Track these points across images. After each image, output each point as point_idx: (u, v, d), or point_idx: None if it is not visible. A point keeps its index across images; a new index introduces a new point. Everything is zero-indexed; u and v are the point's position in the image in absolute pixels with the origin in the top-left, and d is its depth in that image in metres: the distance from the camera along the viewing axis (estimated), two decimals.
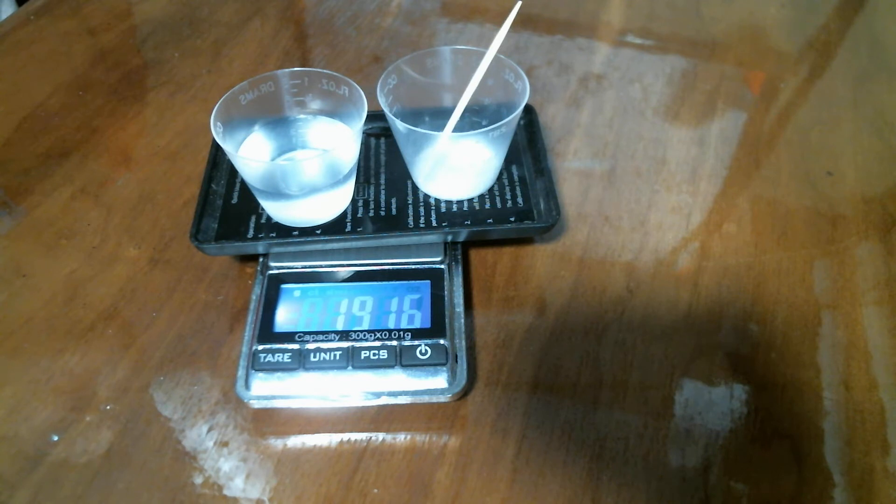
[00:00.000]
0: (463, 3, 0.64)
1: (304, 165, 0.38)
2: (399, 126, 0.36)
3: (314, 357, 0.35)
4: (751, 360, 0.37)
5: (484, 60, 0.36)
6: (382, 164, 0.43)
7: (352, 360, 0.35)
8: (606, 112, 0.52)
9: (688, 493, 0.32)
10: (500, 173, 0.42)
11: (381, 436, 0.34)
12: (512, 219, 0.39)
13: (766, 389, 0.36)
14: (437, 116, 0.42)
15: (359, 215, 0.40)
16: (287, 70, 0.39)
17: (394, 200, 0.41)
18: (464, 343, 0.36)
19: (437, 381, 0.34)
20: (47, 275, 0.41)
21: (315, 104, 0.40)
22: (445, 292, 0.37)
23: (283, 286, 0.38)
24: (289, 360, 0.35)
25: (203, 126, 0.51)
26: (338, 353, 0.35)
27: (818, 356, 0.37)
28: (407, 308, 0.37)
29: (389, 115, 0.36)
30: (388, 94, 0.39)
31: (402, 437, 0.34)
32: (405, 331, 0.36)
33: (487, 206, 0.40)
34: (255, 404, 0.34)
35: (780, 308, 0.40)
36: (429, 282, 0.38)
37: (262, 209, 0.40)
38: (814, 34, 0.61)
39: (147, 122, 0.52)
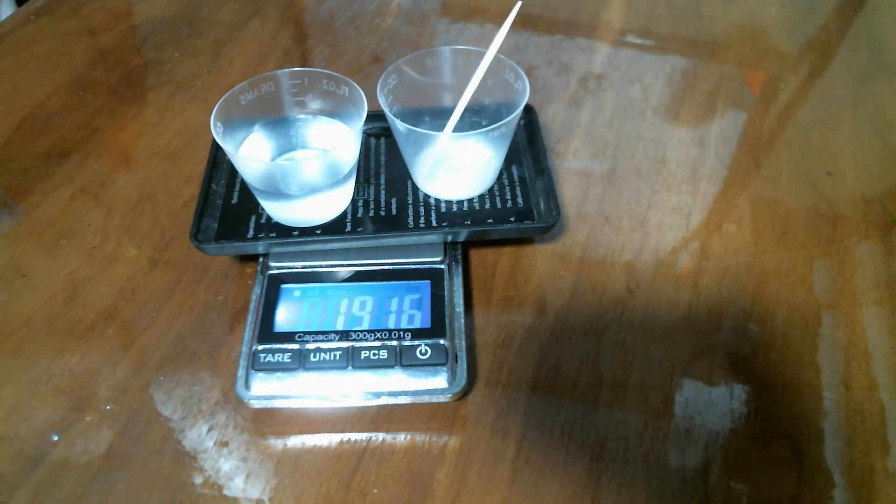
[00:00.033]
0: (463, 3, 0.64)
1: (304, 165, 0.38)
2: (399, 126, 0.36)
3: (314, 357, 0.35)
4: (751, 360, 0.37)
5: (484, 60, 0.36)
6: (382, 164, 0.43)
7: (352, 360, 0.35)
8: (606, 112, 0.52)
9: (688, 493, 0.32)
10: (500, 173, 0.42)
11: (381, 436, 0.34)
12: (512, 219, 0.39)
13: (766, 389, 0.36)
14: (437, 116, 0.42)
15: (359, 215, 0.40)
16: (287, 70, 0.39)
17: (394, 200, 0.41)
18: (464, 343, 0.36)
19: (437, 381, 0.34)
20: (47, 275, 0.41)
21: (315, 104, 0.40)
22: (445, 292, 0.37)
23: (283, 286, 0.38)
24: (289, 360, 0.35)
25: (203, 126, 0.51)
26: (338, 353, 0.35)
27: (818, 356, 0.37)
28: (407, 308, 0.37)
29: (389, 115, 0.36)
30: (388, 94, 0.39)
31: (402, 437, 0.34)
32: (405, 331, 0.36)
33: (487, 206, 0.40)
34: (255, 404, 0.34)
35: (780, 308, 0.40)
36: (429, 282, 0.38)
37: (262, 209, 0.40)
38: (814, 34, 0.61)
39: (147, 122, 0.52)
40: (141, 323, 0.39)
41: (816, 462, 0.33)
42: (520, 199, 0.41)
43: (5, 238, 0.43)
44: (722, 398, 0.36)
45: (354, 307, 0.37)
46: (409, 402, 0.35)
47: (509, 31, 0.36)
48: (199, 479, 0.33)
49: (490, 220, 0.39)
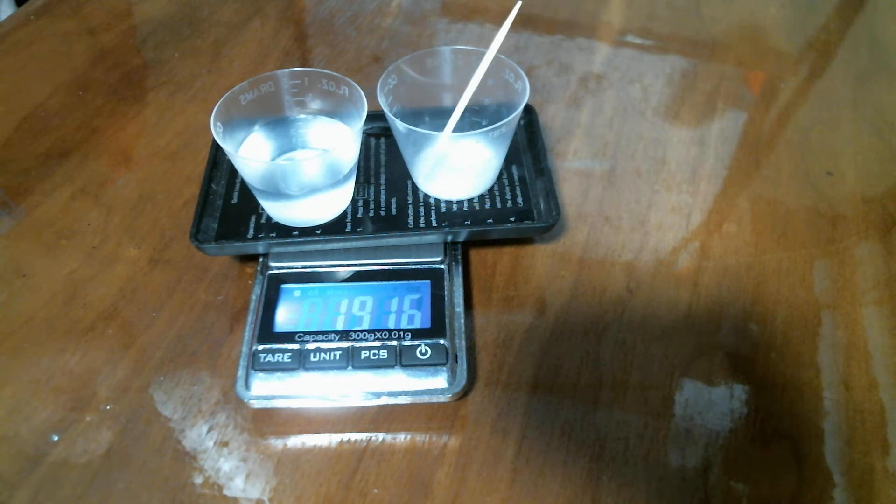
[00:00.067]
0: (463, 3, 0.64)
1: (304, 165, 0.38)
2: (399, 126, 0.36)
3: (314, 357, 0.35)
4: (751, 360, 0.37)
5: (484, 60, 0.36)
6: (382, 164, 0.43)
7: (352, 360, 0.35)
8: (606, 112, 0.52)
9: (688, 493, 0.32)
10: (500, 173, 0.42)
11: (381, 436, 0.34)
12: (512, 219, 0.39)
13: (766, 389, 0.36)
14: (437, 116, 0.42)
15: (359, 215, 0.40)
16: (287, 70, 0.39)
17: (394, 200, 0.41)
18: (464, 343, 0.36)
19: (437, 381, 0.34)
20: (47, 275, 0.41)
21: (315, 104, 0.40)
22: (445, 292, 0.37)
23: (283, 286, 0.38)
24: (289, 360, 0.35)
25: (203, 126, 0.51)
26: (338, 353, 0.35)
27: (818, 356, 0.37)
28: (407, 308, 0.37)
29: (389, 115, 0.36)
30: (388, 94, 0.39)
31: (402, 437, 0.34)
32: (405, 331, 0.36)
33: (487, 206, 0.40)
34: (255, 404, 0.34)
35: (780, 308, 0.40)
36: (429, 282, 0.38)
37: (262, 209, 0.40)
38: (814, 34, 0.61)
39: (147, 122, 0.52)
40: (141, 323, 0.39)
41: (816, 462, 0.33)
42: (520, 199, 0.41)
43: (5, 238, 0.43)
44: (722, 398, 0.36)
45: (354, 307, 0.37)
46: (409, 402, 0.35)
47: (509, 31, 0.36)
48: (199, 479, 0.33)
49: (490, 220, 0.39)
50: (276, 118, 0.40)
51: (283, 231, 0.39)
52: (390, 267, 0.39)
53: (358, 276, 0.38)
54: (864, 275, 0.41)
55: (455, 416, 0.35)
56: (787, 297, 0.40)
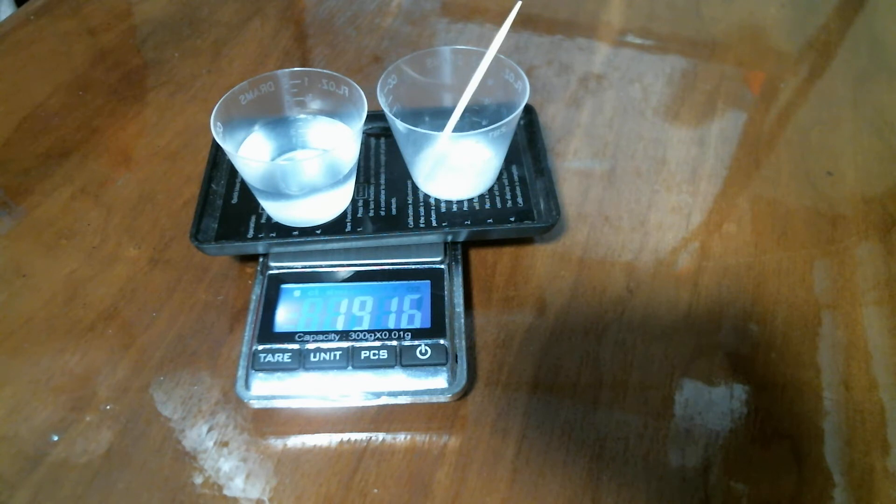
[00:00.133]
0: (463, 3, 0.64)
1: (304, 165, 0.38)
2: (399, 126, 0.36)
3: (314, 357, 0.35)
4: (751, 360, 0.37)
5: (484, 60, 0.36)
6: (382, 164, 0.43)
7: (352, 360, 0.35)
8: (606, 112, 0.52)
9: (688, 493, 0.32)
10: (500, 173, 0.42)
11: (381, 436, 0.34)
12: (512, 219, 0.39)
13: (766, 389, 0.36)
14: (437, 116, 0.42)
15: (359, 215, 0.40)
16: (287, 70, 0.39)
17: (394, 200, 0.41)
18: (464, 343, 0.36)
19: (437, 381, 0.34)
20: (47, 275, 0.41)
21: (315, 104, 0.40)
22: (445, 292, 0.37)
23: (283, 286, 0.38)
24: (289, 360, 0.35)
25: (203, 126, 0.51)
26: (338, 353, 0.35)
27: (818, 356, 0.37)
28: (407, 308, 0.37)
29: (389, 115, 0.36)
30: (388, 94, 0.39)
31: (402, 437, 0.34)
32: (405, 331, 0.36)
33: (487, 206, 0.40)
34: (255, 404, 0.34)
35: (780, 308, 0.40)
36: (429, 282, 0.38)
37: (262, 209, 0.40)
38: (814, 34, 0.61)
39: (147, 122, 0.52)
40: (141, 323, 0.39)
41: (816, 462, 0.33)
42: (520, 199, 0.41)
43: (5, 238, 0.43)
44: (722, 398, 0.36)
45: (354, 307, 0.37)
46: (409, 402, 0.35)
47: (509, 31, 0.36)
48: (199, 479, 0.33)
49: (490, 220, 0.39)
50: (276, 118, 0.40)
51: (283, 231, 0.39)
52: (390, 267, 0.39)
53: (358, 276, 0.38)
54: (864, 275, 0.41)
55: (455, 416, 0.35)
56: (787, 297, 0.40)
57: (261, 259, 0.39)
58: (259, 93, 0.39)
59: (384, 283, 0.38)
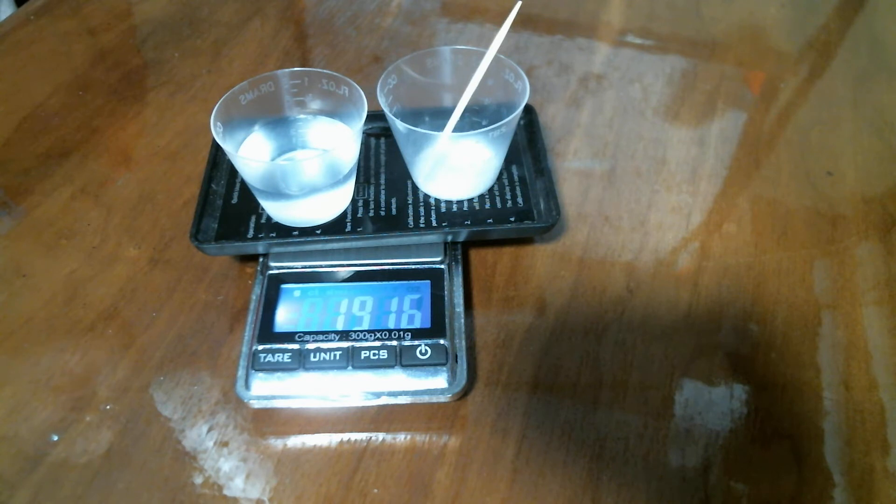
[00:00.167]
0: (463, 3, 0.64)
1: (304, 165, 0.38)
2: (399, 126, 0.36)
3: (314, 357, 0.35)
4: (751, 360, 0.37)
5: (484, 60, 0.36)
6: (382, 164, 0.43)
7: (352, 360, 0.35)
8: (606, 112, 0.52)
9: (688, 493, 0.32)
10: (500, 173, 0.42)
11: (381, 436, 0.34)
12: (512, 219, 0.39)
13: (766, 389, 0.36)
14: (437, 116, 0.42)
15: (359, 215, 0.40)
16: (287, 70, 0.39)
17: (394, 200, 0.41)
18: (464, 343, 0.36)
19: (437, 381, 0.34)
20: (47, 275, 0.41)
21: (315, 104, 0.40)
22: (445, 292, 0.37)
23: (283, 286, 0.38)
24: (289, 360, 0.35)
25: (203, 126, 0.51)
26: (338, 353, 0.35)
27: (818, 356, 0.37)
28: (407, 308, 0.37)
29: (389, 115, 0.36)
30: (388, 94, 0.39)
31: (402, 437, 0.34)
32: (405, 331, 0.36)
33: (487, 206, 0.40)
34: (255, 404, 0.34)
35: (780, 308, 0.40)
36: (429, 282, 0.38)
37: (262, 209, 0.40)
38: (814, 34, 0.61)
39: (147, 122, 0.52)
40: (141, 323, 0.39)
41: (816, 462, 0.33)
42: (520, 199, 0.41)
43: (5, 238, 0.43)
44: (722, 398, 0.36)
45: (354, 307, 0.37)
46: (409, 402, 0.35)
47: (509, 31, 0.36)
48: (199, 479, 0.33)
49: (490, 220, 0.39)
50: (276, 118, 0.40)
51: (283, 231, 0.39)
52: (390, 267, 0.39)
53: (358, 276, 0.38)
54: (864, 275, 0.41)
55: (455, 416, 0.35)
56: (787, 297, 0.40)
57: (261, 259, 0.39)
58: (259, 93, 0.39)
59: (384, 283, 0.38)
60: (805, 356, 0.37)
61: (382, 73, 0.38)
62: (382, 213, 0.40)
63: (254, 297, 0.38)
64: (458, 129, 0.37)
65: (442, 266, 0.39)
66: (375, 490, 0.32)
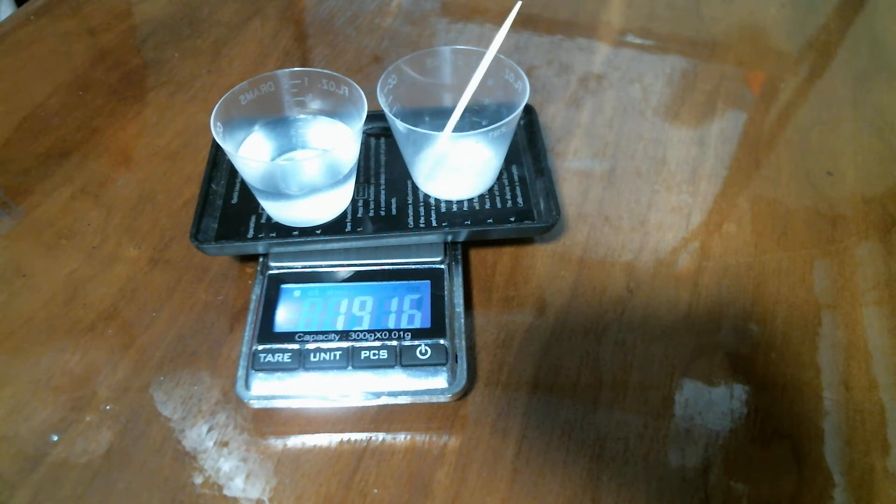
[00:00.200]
0: (463, 3, 0.64)
1: (304, 165, 0.38)
2: (399, 126, 0.36)
3: (314, 357, 0.35)
4: (751, 360, 0.37)
5: (484, 60, 0.36)
6: (382, 164, 0.43)
7: (352, 360, 0.35)
8: (606, 112, 0.52)
9: (688, 493, 0.32)
10: (500, 173, 0.42)
11: (381, 436, 0.34)
12: (512, 219, 0.39)
13: (766, 389, 0.36)
14: (437, 116, 0.42)
15: (359, 215, 0.40)
16: (287, 70, 0.39)
17: (394, 200, 0.41)
18: (464, 343, 0.36)
19: (437, 381, 0.34)
20: (47, 275, 0.41)
21: (315, 104, 0.40)
22: (445, 292, 0.37)
23: (283, 286, 0.38)
24: (289, 360, 0.35)
25: (203, 126, 0.51)
26: (338, 353, 0.35)
27: (818, 356, 0.37)
28: (407, 308, 0.37)
29: (389, 115, 0.36)
30: (388, 94, 0.39)
31: (402, 437, 0.34)
32: (405, 331, 0.36)
33: (487, 206, 0.40)
34: (255, 404, 0.34)
35: (780, 308, 0.40)
36: (429, 282, 0.38)
37: (262, 209, 0.40)
38: (814, 34, 0.61)
39: (147, 122, 0.52)
40: (141, 323, 0.39)
41: (816, 462, 0.33)
42: (520, 199, 0.41)
43: (5, 238, 0.43)
44: (722, 398, 0.36)
45: (354, 307, 0.37)
46: (409, 402, 0.35)
47: (509, 31, 0.36)
48: (199, 479, 0.33)
49: (490, 220, 0.39)
50: (276, 118, 0.40)
51: (283, 231, 0.39)
52: (390, 267, 0.39)
53: (358, 276, 0.38)
54: (864, 275, 0.41)
55: (455, 416, 0.35)
56: (787, 297, 0.40)
57: (261, 259, 0.39)
58: (259, 93, 0.39)
59: (384, 283, 0.38)
60: (805, 356, 0.37)
61: (382, 73, 0.38)
62: (382, 213, 0.40)
63: (254, 297, 0.38)
64: (458, 129, 0.37)
65: (442, 266, 0.39)
66: (375, 490, 0.32)
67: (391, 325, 0.36)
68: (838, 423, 0.35)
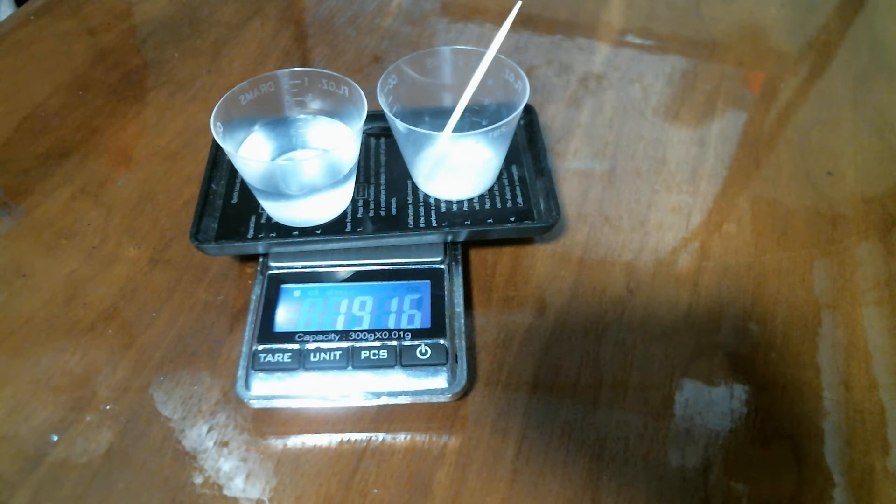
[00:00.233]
0: (463, 3, 0.64)
1: (304, 165, 0.38)
2: (399, 126, 0.36)
3: (314, 357, 0.35)
4: (751, 360, 0.37)
5: (484, 60, 0.36)
6: (382, 164, 0.43)
7: (352, 360, 0.35)
8: (606, 112, 0.52)
9: (688, 493, 0.32)
10: (500, 173, 0.42)
11: (381, 436, 0.34)
12: (512, 219, 0.39)
13: (766, 389, 0.36)
14: (437, 116, 0.42)
15: (359, 215, 0.40)
16: (287, 70, 0.39)
17: (394, 200, 0.41)
18: (464, 343, 0.36)
19: (437, 381, 0.34)
20: (47, 275, 0.41)
21: (315, 104, 0.40)
22: (445, 292, 0.37)
23: (283, 286, 0.38)
24: (289, 360, 0.35)
25: (203, 126, 0.51)
26: (338, 353, 0.35)
27: (818, 356, 0.37)
28: (407, 308, 0.37)
29: (389, 115, 0.36)
30: (388, 94, 0.39)
31: (402, 437, 0.34)
32: (405, 331, 0.36)
33: (487, 206, 0.40)
34: (255, 404, 0.34)
35: (780, 308, 0.40)
36: (429, 282, 0.38)
37: (262, 209, 0.40)
38: (814, 34, 0.61)
39: (147, 122, 0.52)
40: (141, 323, 0.39)
41: (816, 462, 0.33)
42: (520, 199, 0.41)
43: (5, 238, 0.43)
44: (722, 398, 0.36)
45: (354, 307, 0.37)
46: (409, 402, 0.35)
47: (509, 31, 0.36)
48: (199, 479, 0.33)
49: (490, 220, 0.39)
50: (276, 118, 0.40)
51: (283, 231, 0.39)
52: (390, 267, 0.39)
53: (358, 276, 0.38)
54: (864, 275, 0.41)
55: (455, 416, 0.35)
56: (787, 297, 0.40)
57: (261, 259, 0.39)
58: (259, 93, 0.39)
59: (384, 283, 0.38)
60: (805, 356, 0.37)
61: (382, 73, 0.38)
62: (382, 213, 0.40)
63: (254, 297, 0.38)
64: (458, 129, 0.37)
65: (442, 266, 0.39)
66: (375, 490, 0.32)
67: (391, 325, 0.36)
68: (838, 423, 0.35)
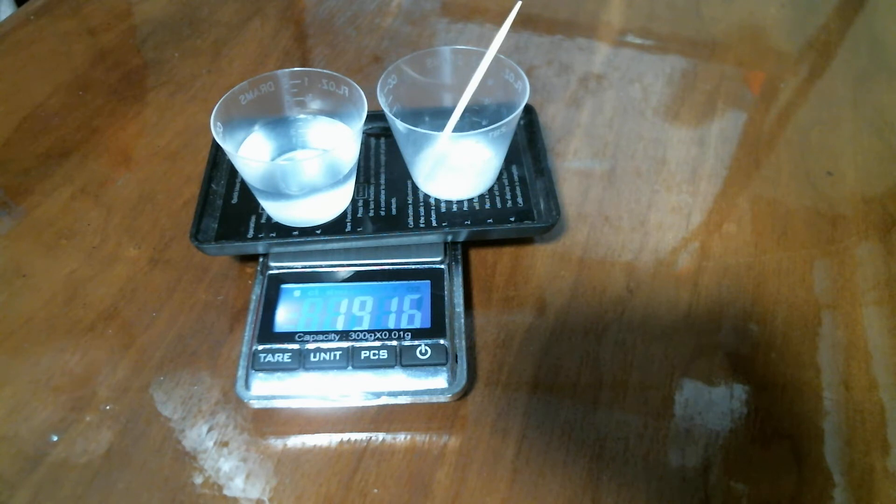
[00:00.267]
0: (463, 3, 0.64)
1: (304, 165, 0.38)
2: (399, 126, 0.36)
3: (314, 357, 0.35)
4: (751, 360, 0.37)
5: (484, 60, 0.36)
6: (382, 164, 0.43)
7: (352, 360, 0.35)
8: (606, 112, 0.52)
9: (688, 493, 0.32)
10: (500, 173, 0.42)
11: (381, 436, 0.34)
12: (512, 219, 0.39)
13: (766, 389, 0.36)
14: (437, 116, 0.42)
15: (359, 215, 0.40)
16: (287, 70, 0.39)
17: (394, 200, 0.41)
18: (464, 343, 0.36)
19: (437, 381, 0.34)
20: (47, 275, 0.41)
21: (315, 104, 0.40)
22: (445, 292, 0.37)
23: (283, 286, 0.38)
24: (289, 360, 0.35)
25: (203, 126, 0.51)
26: (338, 353, 0.35)
27: (818, 356, 0.37)
28: (407, 308, 0.37)
29: (389, 115, 0.36)
30: (388, 94, 0.39)
31: (402, 437, 0.34)
32: (405, 331, 0.36)
33: (487, 206, 0.40)
34: (255, 404, 0.34)
35: (780, 308, 0.40)
36: (429, 282, 0.38)
37: (262, 209, 0.40)
38: (814, 34, 0.61)
39: (147, 122, 0.52)
40: (141, 323, 0.39)
41: (816, 462, 0.33)
42: (520, 199, 0.41)
43: (5, 238, 0.43)
44: (722, 398, 0.36)
45: (354, 307, 0.37)
46: (409, 402, 0.35)
47: (509, 31, 0.36)
48: (199, 479, 0.33)
49: (490, 220, 0.39)
50: (276, 118, 0.40)
51: (283, 231, 0.39)
52: (390, 267, 0.39)
53: (358, 276, 0.38)
54: (864, 275, 0.41)
55: (455, 416, 0.35)
56: (787, 297, 0.40)
57: (261, 259, 0.39)
58: (259, 93, 0.39)
59: (384, 283, 0.38)
60: (805, 356, 0.37)
61: (382, 73, 0.38)
62: (382, 213, 0.40)
63: (254, 297, 0.38)
64: (458, 129, 0.37)
65: (442, 266, 0.39)
66: (375, 490, 0.32)
67: (391, 325, 0.36)
68: (838, 423, 0.35)
